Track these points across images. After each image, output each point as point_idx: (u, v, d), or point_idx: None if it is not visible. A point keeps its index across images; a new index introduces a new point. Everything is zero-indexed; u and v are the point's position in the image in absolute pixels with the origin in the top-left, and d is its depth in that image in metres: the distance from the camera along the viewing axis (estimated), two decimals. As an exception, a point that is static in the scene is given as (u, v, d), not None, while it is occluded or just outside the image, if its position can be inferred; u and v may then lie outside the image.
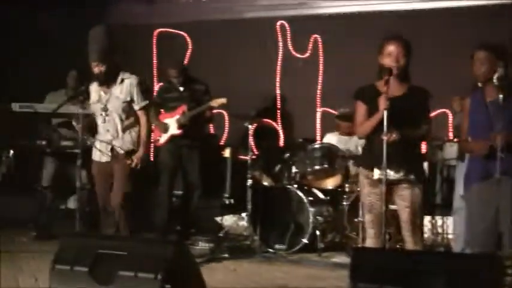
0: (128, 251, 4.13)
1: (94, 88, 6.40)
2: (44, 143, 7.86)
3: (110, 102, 6.30)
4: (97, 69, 6.22)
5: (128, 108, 6.31)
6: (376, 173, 4.87)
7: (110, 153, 6.30)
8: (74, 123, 7.39)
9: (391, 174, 4.81)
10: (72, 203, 8.56)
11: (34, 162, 8.27)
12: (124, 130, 6.32)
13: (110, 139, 6.32)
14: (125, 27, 9.79)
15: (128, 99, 6.28)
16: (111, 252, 4.17)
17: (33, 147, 7.97)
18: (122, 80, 6.28)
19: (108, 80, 6.29)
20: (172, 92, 8.00)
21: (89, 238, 4.63)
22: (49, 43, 9.78)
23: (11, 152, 9.15)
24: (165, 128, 7.92)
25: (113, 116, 6.31)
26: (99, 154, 6.38)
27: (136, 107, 6.33)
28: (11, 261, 6.61)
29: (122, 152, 6.27)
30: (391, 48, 4.89)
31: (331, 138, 7.93)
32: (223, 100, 7.69)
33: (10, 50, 9.79)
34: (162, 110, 8.05)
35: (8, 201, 8.84)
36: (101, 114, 6.33)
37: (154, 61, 9.91)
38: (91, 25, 6.19)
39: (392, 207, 5.12)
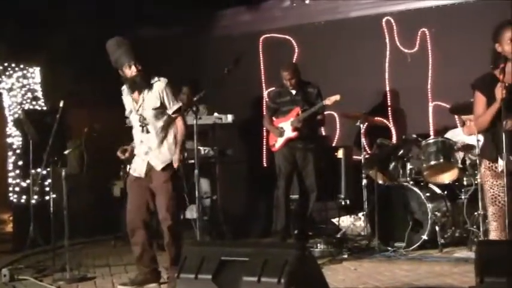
0: (250, 256, 4.20)
1: (126, 98, 6.04)
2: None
3: (144, 111, 5.89)
4: (128, 72, 5.81)
5: (162, 116, 5.89)
6: (501, 164, 4.73)
7: (145, 168, 5.89)
8: None
9: None
10: (189, 213, 8.66)
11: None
12: (161, 141, 5.88)
13: (146, 151, 5.90)
14: (230, 37, 9.99)
15: (158, 105, 5.84)
16: (234, 258, 4.25)
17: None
18: (151, 86, 5.85)
19: (138, 87, 5.87)
20: (285, 96, 8.06)
21: (211, 246, 4.73)
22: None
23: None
24: (280, 133, 7.98)
25: (148, 126, 5.89)
26: (133, 168, 6.01)
27: (169, 111, 5.88)
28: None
29: (159, 166, 5.84)
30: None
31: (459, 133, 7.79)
32: (336, 97, 7.67)
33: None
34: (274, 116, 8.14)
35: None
36: (140, 125, 5.92)
37: (262, 68, 9.99)
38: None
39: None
